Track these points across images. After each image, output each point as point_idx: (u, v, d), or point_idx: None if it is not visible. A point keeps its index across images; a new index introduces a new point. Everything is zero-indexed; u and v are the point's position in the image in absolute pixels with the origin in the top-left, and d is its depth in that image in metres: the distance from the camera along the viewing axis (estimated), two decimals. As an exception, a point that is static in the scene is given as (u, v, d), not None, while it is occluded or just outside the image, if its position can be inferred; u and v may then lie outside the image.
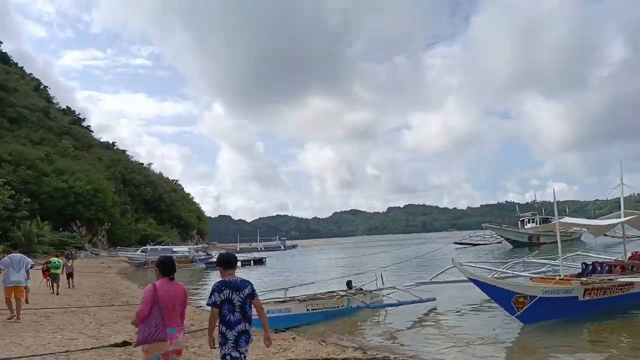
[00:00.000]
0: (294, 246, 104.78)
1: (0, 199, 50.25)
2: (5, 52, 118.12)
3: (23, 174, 63.63)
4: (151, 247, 57.80)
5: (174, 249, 56.21)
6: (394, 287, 14.87)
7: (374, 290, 14.62)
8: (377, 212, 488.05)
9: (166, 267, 4.56)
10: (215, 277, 31.58)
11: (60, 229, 65.70)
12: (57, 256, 20.81)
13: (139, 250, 55.72)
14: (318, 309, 12.28)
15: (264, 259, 46.53)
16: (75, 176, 71.91)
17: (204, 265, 44.74)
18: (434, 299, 14.29)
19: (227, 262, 4.69)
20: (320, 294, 13.65)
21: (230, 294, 4.45)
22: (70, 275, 20.69)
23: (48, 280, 18.06)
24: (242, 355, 4.44)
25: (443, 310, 13.74)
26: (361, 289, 14.43)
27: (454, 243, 54.39)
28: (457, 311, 13.68)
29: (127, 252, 61.42)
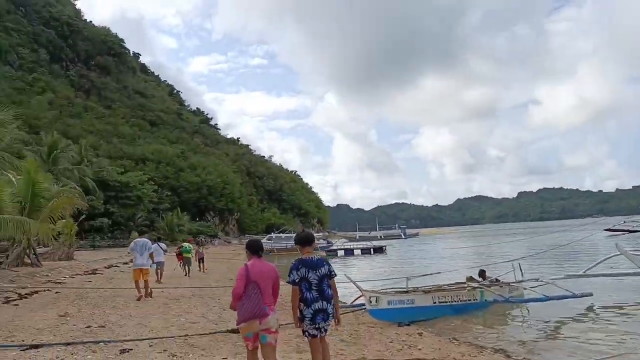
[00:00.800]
0: (415, 234, 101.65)
1: (146, 193, 57.05)
2: (144, 64, 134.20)
3: (163, 170, 71.47)
4: (276, 234, 60.56)
5: (295, 237, 57.84)
6: (537, 280, 12.65)
7: (513, 283, 12.57)
8: (506, 198, 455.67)
9: (254, 247, 4.61)
10: (335, 263, 31.39)
11: (197, 219, 72.73)
12: (188, 242, 22.67)
13: (265, 238, 58.62)
14: (446, 301, 10.78)
15: (384, 247, 45.37)
16: (207, 170, 78.72)
17: (324, 253, 45.27)
18: (590, 294, 11.70)
19: (305, 240, 4.76)
20: (449, 284, 12.11)
21: (307, 272, 4.48)
22: (201, 260, 22.13)
23: (181, 262, 19.59)
24: (322, 330, 4.51)
25: (603, 309, 11.18)
26: (497, 280, 12.51)
27: (605, 230, 46.85)
28: (621, 310, 11.06)
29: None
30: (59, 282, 13.29)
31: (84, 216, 29.50)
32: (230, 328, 7.71)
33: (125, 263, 24.20)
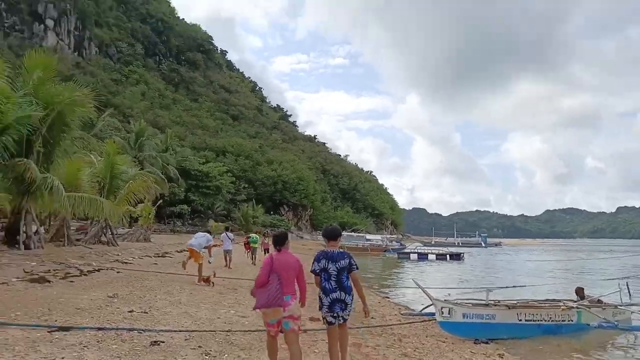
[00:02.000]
0: (497, 244, 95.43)
1: (224, 183, 59.05)
2: (230, 60, 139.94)
3: (242, 163, 73.60)
4: (347, 233, 59.73)
5: (367, 237, 56.70)
6: (650, 305, 10.47)
7: (620, 305, 10.52)
8: (603, 212, 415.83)
9: (280, 239, 4.74)
10: (405, 266, 29.67)
11: (271, 213, 74.09)
12: (256, 233, 24.24)
13: (336, 236, 57.97)
14: (534, 320, 9.13)
15: (462, 255, 42.55)
16: (283, 166, 79.87)
17: (396, 255, 43.56)
18: None
19: (331, 234, 4.98)
20: (538, 301, 10.39)
21: (327, 264, 4.72)
22: (266, 250, 22.48)
23: (249, 251, 20.85)
24: (340, 318, 4.72)
25: None
26: (600, 301, 10.52)
27: None
28: None
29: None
30: (125, 262, 13.44)
31: (160, 201, 30.72)
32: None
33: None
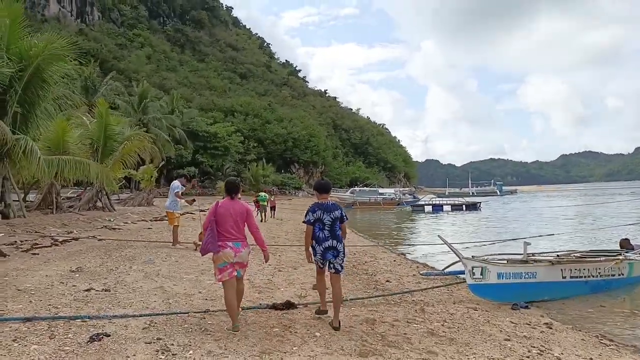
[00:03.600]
0: (512, 192, 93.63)
1: (233, 143, 57.72)
2: (236, 17, 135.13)
3: (251, 122, 71.85)
4: (359, 188, 58.57)
5: (380, 191, 55.45)
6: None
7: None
8: (620, 154, 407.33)
9: (229, 187, 4.80)
10: (419, 219, 28.40)
11: (282, 171, 72.98)
12: (264, 191, 24.91)
13: (348, 192, 56.99)
14: (581, 276, 7.73)
15: (479, 204, 41.10)
16: (293, 123, 77.82)
17: (410, 208, 42.31)
18: None
19: (322, 188, 5.15)
20: (583, 252, 8.97)
21: (322, 215, 4.92)
22: (273, 208, 23.87)
23: (258, 209, 21.24)
24: (332, 265, 4.89)
25: None
26: (651, 250, 9.05)
27: None
28: None
29: (337, 192, 63.88)
30: (114, 229, 12.30)
31: (163, 162, 29.54)
32: (273, 303, 5.59)
33: (203, 210, 23.63)
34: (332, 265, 4.87)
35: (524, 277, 6.88)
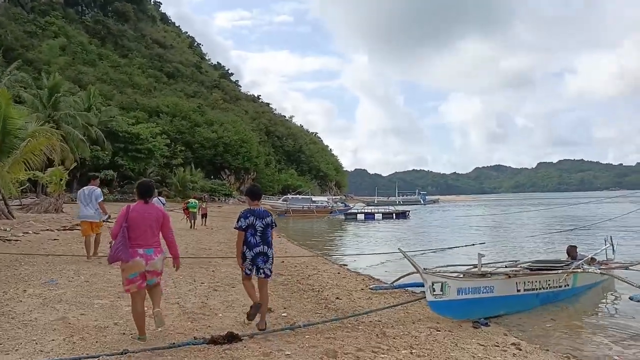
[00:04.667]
0: (435, 201, 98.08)
1: (157, 146, 54.26)
2: (165, 13, 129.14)
3: (178, 124, 68.33)
4: (292, 196, 57.89)
5: (313, 199, 55.15)
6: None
7: (612, 263, 9.24)
8: (525, 168, 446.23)
9: (143, 190, 4.48)
10: (353, 227, 28.11)
11: (212, 177, 70.14)
12: (194, 198, 23.81)
13: (281, 199, 56.05)
14: (533, 289, 7.50)
15: (408, 213, 42.06)
16: (224, 127, 75.24)
17: (343, 217, 42.27)
18: None
19: (254, 194, 5.28)
20: (529, 263, 8.84)
21: (254, 220, 5.00)
22: (204, 216, 23.28)
23: (188, 217, 21.04)
24: (261, 270, 4.97)
25: None
26: (593, 259, 9.17)
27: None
28: None
29: (269, 200, 62.60)
30: (9, 240, 10.36)
31: (75, 164, 26.69)
32: (211, 336, 4.55)
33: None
34: (261, 271, 4.97)
35: (482, 292, 6.44)
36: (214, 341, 4.35)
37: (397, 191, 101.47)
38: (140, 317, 4.26)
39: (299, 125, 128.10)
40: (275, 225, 5.22)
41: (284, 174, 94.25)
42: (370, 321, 5.70)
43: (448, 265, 9.01)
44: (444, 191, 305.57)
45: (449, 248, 15.79)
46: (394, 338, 4.96)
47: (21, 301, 5.35)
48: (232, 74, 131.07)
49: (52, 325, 4.52)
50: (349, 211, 44.56)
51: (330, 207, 52.02)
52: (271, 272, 5.06)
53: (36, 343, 4.00)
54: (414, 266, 5.96)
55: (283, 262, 11.45)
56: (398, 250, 6.95)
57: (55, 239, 11.40)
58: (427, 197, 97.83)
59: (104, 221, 9.36)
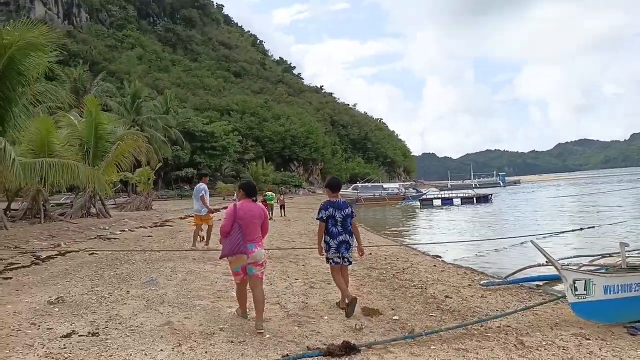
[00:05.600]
0: (515, 182, 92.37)
1: (231, 142, 56.00)
2: (227, 15, 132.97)
3: (247, 120, 70.11)
4: (362, 184, 57.11)
5: (384, 186, 54.05)
6: None
7: None
8: (616, 141, 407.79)
9: (249, 190, 4.89)
10: (430, 214, 26.76)
11: (281, 169, 71.33)
12: (270, 191, 24.88)
13: (350, 188, 55.51)
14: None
15: (490, 196, 39.70)
16: (290, 120, 76.14)
17: (417, 203, 40.82)
18: None
19: (334, 186, 5.52)
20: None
21: (334, 212, 5.26)
22: (282, 207, 23.93)
23: (266, 208, 20.25)
24: (344, 259, 5.29)
25: None
26: None
27: None
28: None
29: (339, 189, 62.24)
30: (109, 238, 10.75)
31: (160, 164, 27.93)
32: (327, 346, 4.08)
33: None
34: (345, 259, 5.28)
35: (634, 290, 5.39)
36: (330, 353, 3.86)
37: (472, 173, 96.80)
38: (243, 298, 4.78)
39: (363, 112, 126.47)
40: (355, 215, 5.43)
41: (351, 162, 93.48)
42: (498, 326, 4.93)
43: (575, 257, 7.93)
44: (522, 171, 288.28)
45: (555, 234, 14.32)
46: (537, 349, 4.17)
47: (126, 303, 5.24)
48: (294, 67, 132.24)
49: (158, 332, 4.29)
50: (424, 197, 42.93)
51: (402, 194, 50.70)
52: (351, 257, 5.41)
53: (145, 354, 3.75)
54: (550, 260, 5.08)
55: (370, 253, 10.88)
56: (504, 238, 6.06)
57: (149, 236, 11.74)
58: (506, 178, 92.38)
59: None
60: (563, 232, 14.47)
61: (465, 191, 46.46)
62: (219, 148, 53.82)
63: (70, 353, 3.66)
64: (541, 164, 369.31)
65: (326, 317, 5.11)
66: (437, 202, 38.82)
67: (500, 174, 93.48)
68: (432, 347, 4.13)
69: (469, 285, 7.31)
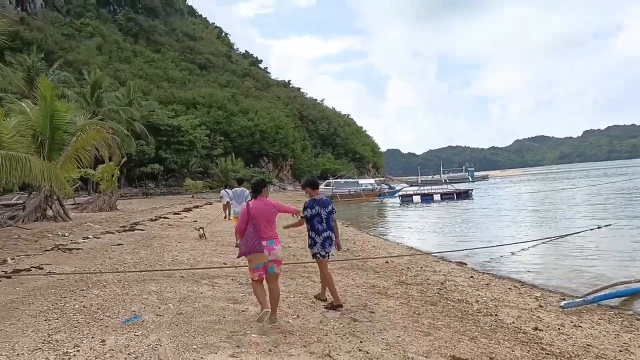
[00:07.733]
0: (484, 177, 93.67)
1: (198, 137, 53.23)
2: (191, 5, 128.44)
3: (215, 114, 67.28)
4: (335, 180, 55.78)
5: (359, 182, 52.96)
6: None
7: None
8: (570, 137, 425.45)
9: (255, 188, 4.93)
10: (415, 211, 25.34)
11: (251, 165, 68.97)
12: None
13: (323, 184, 54.06)
14: None
15: (470, 192, 39.17)
16: (259, 115, 73.88)
17: (397, 199, 39.73)
18: None
19: (314, 184, 5.80)
20: None
21: (320, 209, 5.46)
22: None
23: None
24: (328, 254, 5.54)
25: None
26: None
27: None
28: None
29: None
30: (70, 249, 8.70)
31: (124, 159, 25.43)
32: None
33: (177, 213, 20.01)
34: (328, 254, 5.52)
35: None
36: None
37: (441, 169, 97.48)
38: (262, 295, 4.59)
39: (331, 108, 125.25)
40: (335, 212, 5.60)
41: (321, 158, 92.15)
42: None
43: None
44: (483, 167, 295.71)
45: (570, 234, 13.29)
46: None
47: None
48: (260, 61, 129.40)
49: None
50: (404, 193, 41.93)
51: (377, 190, 49.75)
52: (332, 252, 5.60)
53: None
54: None
55: (387, 262, 9.38)
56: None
57: (119, 244, 9.71)
58: (474, 173, 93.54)
59: None
60: (576, 233, 13.46)
61: (445, 187, 45.92)
62: (186, 143, 51.04)
63: None
64: (501, 160, 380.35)
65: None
66: (417, 199, 37.90)
67: (469, 169, 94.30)
68: None
69: (540, 306, 5.90)
